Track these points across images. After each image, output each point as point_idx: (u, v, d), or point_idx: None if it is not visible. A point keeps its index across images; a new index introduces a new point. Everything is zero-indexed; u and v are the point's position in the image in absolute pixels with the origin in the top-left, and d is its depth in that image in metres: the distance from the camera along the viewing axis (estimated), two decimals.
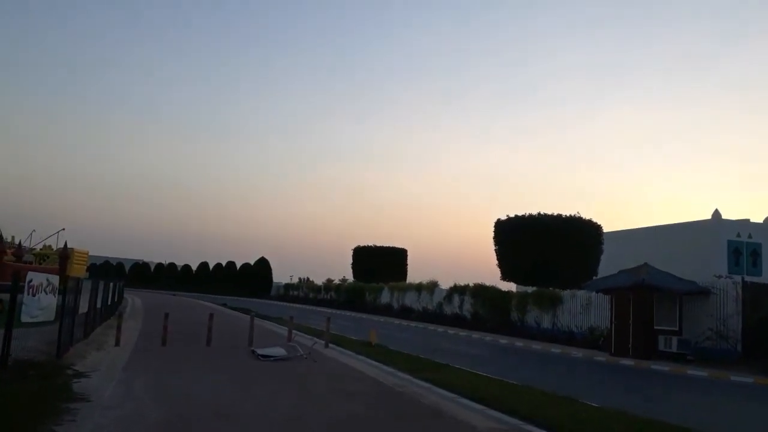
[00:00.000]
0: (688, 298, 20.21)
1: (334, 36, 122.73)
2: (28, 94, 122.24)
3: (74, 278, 13.47)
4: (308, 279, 77.02)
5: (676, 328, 19.72)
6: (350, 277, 61.75)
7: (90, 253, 59.79)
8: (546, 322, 27.69)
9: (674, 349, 19.01)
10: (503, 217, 33.43)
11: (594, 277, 29.38)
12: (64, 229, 67.37)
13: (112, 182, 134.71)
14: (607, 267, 31.72)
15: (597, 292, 24.05)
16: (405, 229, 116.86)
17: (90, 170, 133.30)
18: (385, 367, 13.35)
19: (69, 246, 47.72)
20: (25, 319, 9.61)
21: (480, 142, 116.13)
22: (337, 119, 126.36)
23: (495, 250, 33.65)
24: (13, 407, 7.04)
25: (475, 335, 27.07)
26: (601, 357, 19.72)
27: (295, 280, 79.02)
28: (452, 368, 13.89)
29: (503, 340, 24.88)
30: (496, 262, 33.68)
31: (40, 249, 61.81)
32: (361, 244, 60.47)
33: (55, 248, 54.72)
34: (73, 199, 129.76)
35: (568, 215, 31.52)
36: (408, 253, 59.67)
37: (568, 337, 25.07)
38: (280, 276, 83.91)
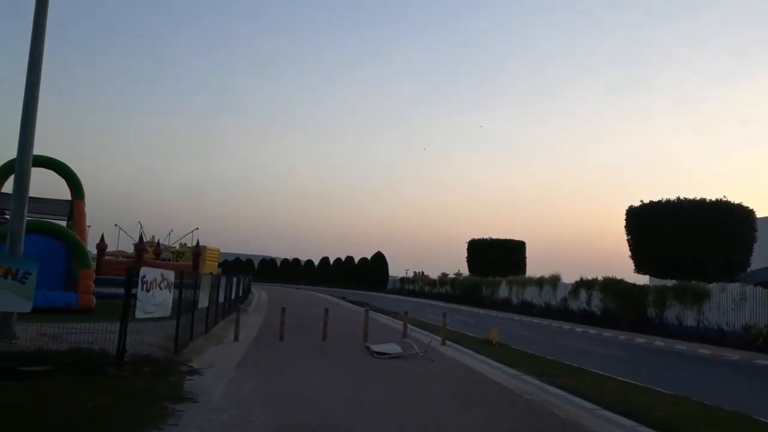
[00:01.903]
0: None
1: (445, 24, 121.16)
2: (164, 105, 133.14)
3: (190, 273, 13.59)
4: (423, 273, 76.60)
5: None
6: (465, 271, 60.29)
7: (222, 251, 63.86)
8: (689, 320, 24.69)
9: None
10: (636, 204, 30.36)
11: (748, 269, 25.77)
12: (198, 229, 72.15)
13: (243, 184, 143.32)
14: (761, 257, 27.80)
15: (755, 285, 20.88)
16: (523, 221, 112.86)
17: (223, 173, 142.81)
18: (509, 370, 12.07)
19: (202, 244, 51.08)
20: (139, 315, 9.55)
21: (601, 128, 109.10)
22: (452, 110, 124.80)
23: (627, 240, 30.64)
24: (119, 406, 6.79)
25: (607, 333, 24.73)
26: (763, 360, 16.94)
27: (411, 274, 78.98)
28: (587, 372, 12.32)
29: (640, 339, 22.43)
30: (629, 253, 30.67)
31: (177, 247, 66.76)
32: (477, 237, 58.79)
33: (190, 246, 58.89)
34: (207, 201, 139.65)
35: (713, 200, 27.88)
36: (526, 246, 57.03)
37: (717, 337, 22.11)
38: (396, 270, 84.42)
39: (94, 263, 43.95)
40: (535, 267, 59.80)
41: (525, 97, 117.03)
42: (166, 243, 66.82)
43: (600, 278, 31.50)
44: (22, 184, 10.49)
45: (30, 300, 8.69)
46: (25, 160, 10.49)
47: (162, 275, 10.52)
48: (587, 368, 12.90)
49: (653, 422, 7.57)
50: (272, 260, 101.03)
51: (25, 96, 10.54)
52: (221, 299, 19.08)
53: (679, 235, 26.88)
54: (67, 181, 22.40)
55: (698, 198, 28.09)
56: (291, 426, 6.69)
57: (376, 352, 13.00)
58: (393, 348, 13.37)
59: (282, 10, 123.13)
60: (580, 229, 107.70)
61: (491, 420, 7.45)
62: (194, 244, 52.42)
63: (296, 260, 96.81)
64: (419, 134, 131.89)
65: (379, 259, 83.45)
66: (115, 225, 70.38)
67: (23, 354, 9.03)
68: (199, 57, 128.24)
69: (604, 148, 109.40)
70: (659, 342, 21.54)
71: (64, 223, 22.20)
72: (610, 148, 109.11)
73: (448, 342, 16.28)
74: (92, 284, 19.22)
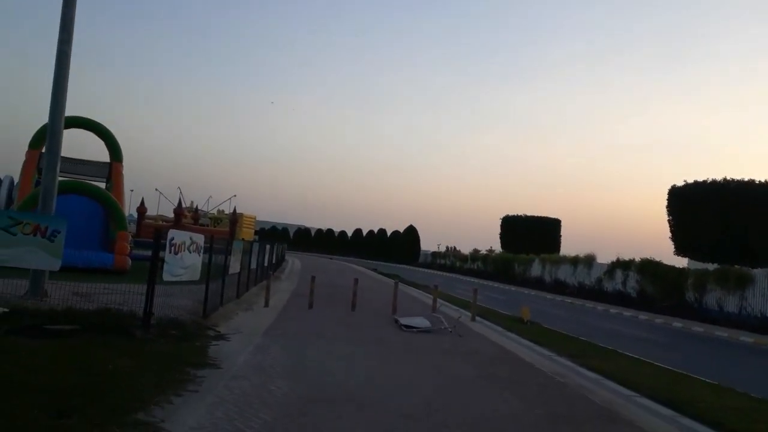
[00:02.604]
0: None
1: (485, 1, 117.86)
2: (208, 73, 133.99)
3: (219, 239, 13.50)
4: (455, 248, 76.16)
5: None
6: (497, 248, 59.61)
7: (258, 218, 64.58)
8: (731, 305, 23.75)
9: None
10: (679, 183, 29.18)
11: None
12: (235, 196, 72.97)
13: (282, 153, 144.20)
14: None
15: None
16: (559, 199, 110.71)
17: (262, 142, 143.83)
18: (541, 350, 11.69)
19: (239, 211, 51.68)
20: (167, 277, 9.47)
21: (639, 105, 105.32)
22: (488, 86, 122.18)
23: (668, 221, 29.61)
24: (140, 370, 6.70)
25: (642, 316, 24.02)
26: None
27: (442, 249, 78.64)
28: (623, 356, 11.85)
29: (677, 324, 21.68)
30: (669, 234, 29.65)
31: (215, 213, 67.80)
32: (511, 214, 57.87)
33: (227, 213, 59.70)
34: (246, 169, 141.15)
35: (762, 181, 26.55)
36: (561, 224, 55.88)
37: (760, 324, 21.21)
38: (428, 244, 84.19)
39: (134, 226, 45.00)
40: (569, 246, 58.84)
41: (563, 71, 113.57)
42: (204, 209, 67.99)
43: (637, 259, 30.59)
44: (54, 141, 10.46)
45: (59, 258, 8.68)
46: (57, 116, 10.44)
47: (191, 238, 10.41)
48: (623, 351, 12.42)
49: (695, 413, 7.12)
50: (307, 230, 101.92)
51: (57, 54, 10.43)
52: (254, 265, 19.10)
53: (725, 217, 25.75)
54: (105, 143, 22.62)
55: (746, 179, 26.82)
56: (312, 398, 6.50)
57: (404, 325, 12.77)
58: (421, 322, 13.12)
59: None
60: (616, 209, 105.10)
61: (521, 404, 7.12)
62: (231, 210, 53.09)
63: (330, 231, 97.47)
64: (454, 110, 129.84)
65: (412, 232, 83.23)
66: (156, 189, 71.88)
67: (53, 312, 9.07)
68: (243, 28, 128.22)
69: (643, 125, 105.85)
70: (698, 327, 20.78)
71: (102, 185, 22.49)
72: (650, 126, 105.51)
73: (478, 318, 15.95)
74: (128, 246, 19.47)
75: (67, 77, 10.59)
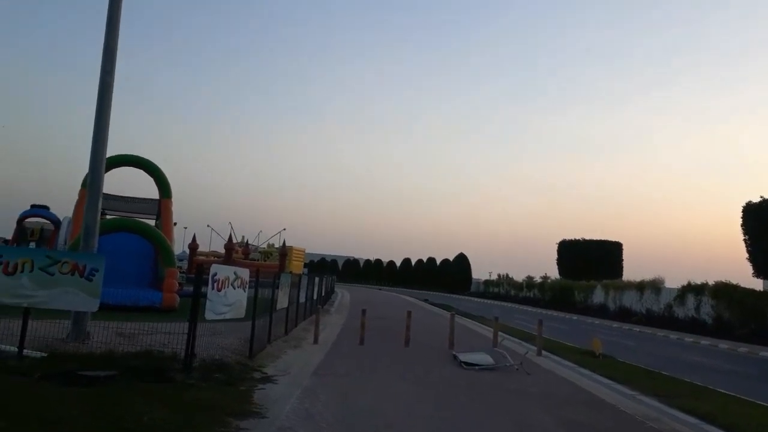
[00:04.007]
0: None
1: (535, 19, 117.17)
2: (257, 107, 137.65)
3: (254, 271, 12.90)
4: (507, 275, 73.93)
5: None
6: (552, 274, 57.41)
7: (308, 251, 64.80)
8: None
9: None
10: (755, 200, 27.04)
11: None
12: (285, 229, 73.72)
13: (330, 185, 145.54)
14: None
15: None
16: (619, 221, 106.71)
17: (310, 175, 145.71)
18: (622, 388, 10.40)
19: (288, 244, 51.82)
20: (209, 316, 8.84)
21: (700, 124, 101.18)
22: (541, 108, 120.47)
23: (744, 240, 27.41)
24: (178, 422, 5.99)
25: (723, 345, 21.99)
26: None
27: (494, 277, 76.55)
28: (716, 393, 10.42)
29: (765, 353, 19.64)
30: (746, 255, 27.41)
31: (266, 247, 68.23)
32: (568, 238, 55.75)
33: (277, 247, 59.96)
34: (295, 202, 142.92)
35: None
36: (623, 248, 53.35)
37: None
38: (479, 272, 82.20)
39: (186, 263, 45.45)
40: (632, 271, 56.13)
41: (619, 92, 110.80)
42: (255, 243, 68.71)
43: (711, 283, 28.41)
44: (96, 176, 10.15)
45: (97, 298, 8.19)
46: (99, 150, 10.15)
47: (235, 273, 9.80)
48: (713, 387, 10.98)
49: None
50: (355, 261, 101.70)
51: (99, 85, 10.20)
52: (302, 299, 18.48)
53: None
54: (155, 180, 22.73)
55: None
56: None
57: (465, 363, 11.72)
58: (483, 358, 12.03)
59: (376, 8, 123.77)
60: (683, 231, 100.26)
61: None
62: (281, 244, 53.25)
63: (378, 261, 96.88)
64: (506, 133, 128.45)
65: (462, 260, 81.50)
66: (208, 226, 73.31)
67: (92, 356, 8.57)
68: (292, 59, 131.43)
69: (707, 143, 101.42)
70: None
71: (153, 223, 22.52)
72: (714, 144, 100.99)
73: (544, 352, 14.70)
74: (177, 283, 19.22)
75: (110, 109, 10.33)
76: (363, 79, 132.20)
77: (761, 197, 26.74)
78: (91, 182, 10.16)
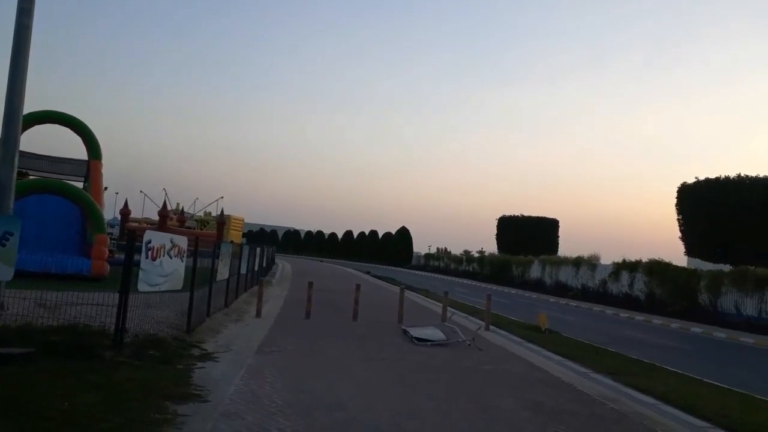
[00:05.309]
0: None
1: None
2: (196, 73, 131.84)
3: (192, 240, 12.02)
4: (446, 250, 74.86)
5: None
6: (489, 249, 58.49)
7: (246, 221, 62.99)
8: (750, 309, 22.62)
9: None
10: (690, 181, 27.97)
11: None
12: (222, 198, 71.33)
13: (268, 155, 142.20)
14: None
15: None
16: (556, 199, 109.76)
17: (250, 144, 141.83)
18: (574, 366, 10.29)
19: (226, 213, 50.08)
20: (142, 287, 7.97)
21: (637, 104, 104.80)
22: (481, 85, 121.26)
23: (678, 220, 28.39)
24: (105, 408, 5.23)
25: (656, 320, 22.76)
26: None
27: (434, 251, 77.39)
28: (666, 371, 10.49)
29: (696, 329, 20.42)
30: (679, 234, 28.45)
31: (202, 215, 65.91)
32: (507, 214, 56.71)
33: (214, 215, 57.94)
34: (233, 170, 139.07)
35: None
36: (560, 225, 54.83)
37: None
38: (419, 246, 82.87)
39: (117, 229, 43.08)
40: (568, 247, 57.94)
41: (557, 71, 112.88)
42: (190, 211, 66.20)
43: (644, 260, 29.40)
44: (11, 128, 8.93)
45: (11, 266, 7.17)
46: (16, 100, 8.91)
47: (172, 241, 8.93)
48: (660, 364, 11.09)
49: None
50: (296, 232, 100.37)
51: (15, 24, 8.93)
52: (243, 270, 17.64)
53: (740, 216, 24.58)
54: (83, 139, 20.98)
55: (761, 175, 25.67)
56: None
57: (416, 338, 11.34)
58: (435, 333, 11.69)
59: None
60: (619, 210, 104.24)
61: None
62: (219, 212, 51.47)
63: (320, 233, 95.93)
64: (446, 110, 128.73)
65: (404, 234, 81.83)
66: (141, 191, 70.10)
67: (6, 330, 7.56)
68: (233, 32, 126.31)
69: (647, 124, 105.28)
70: (719, 333, 19.54)
71: (81, 185, 20.85)
72: (656, 124, 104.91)
73: (492, 327, 14.58)
74: (107, 250, 17.92)
75: (28, 54, 9.08)
76: (306, 51, 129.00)
77: (696, 178, 27.70)
78: (7, 135, 8.93)
